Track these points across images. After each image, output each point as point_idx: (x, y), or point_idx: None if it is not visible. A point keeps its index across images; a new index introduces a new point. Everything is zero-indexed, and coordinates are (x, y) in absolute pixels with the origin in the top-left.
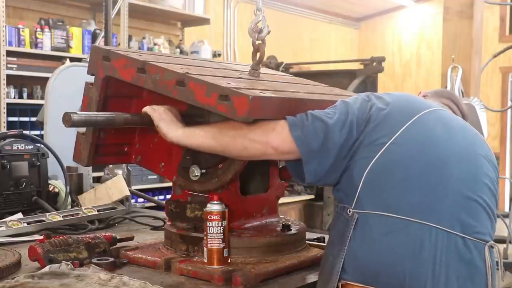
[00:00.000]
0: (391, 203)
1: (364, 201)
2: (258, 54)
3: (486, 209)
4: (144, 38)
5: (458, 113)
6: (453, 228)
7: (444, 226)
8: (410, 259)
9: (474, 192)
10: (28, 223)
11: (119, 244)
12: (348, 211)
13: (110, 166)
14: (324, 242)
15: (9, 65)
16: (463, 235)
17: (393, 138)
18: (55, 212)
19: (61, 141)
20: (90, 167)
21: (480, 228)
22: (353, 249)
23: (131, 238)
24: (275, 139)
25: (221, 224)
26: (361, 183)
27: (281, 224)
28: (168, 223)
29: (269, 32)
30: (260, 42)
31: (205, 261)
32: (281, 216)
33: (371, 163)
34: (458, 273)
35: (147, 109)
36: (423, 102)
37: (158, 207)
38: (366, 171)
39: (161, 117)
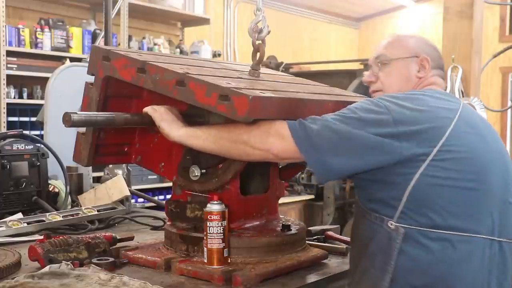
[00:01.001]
0: (440, 219)
1: (410, 216)
2: (258, 54)
3: None
4: (144, 38)
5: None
6: (493, 234)
7: (488, 235)
8: (464, 271)
9: (510, 195)
10: (28, 223)
11: (119, 244)
12: (389, 223)
13: (110, 166)
14: (324, 242)
15: (9, 65)
16: (499, 239)
17: (433, 154)
18: (55, 212)
19: (61, 141)
20: (90, 167)
21: (511, 228)
22: (404, 263)
23: (131, 238)
24: (275, 147)
25: (221, 224)
26: (405, 198)
27: (281, 224)
28: (168, 223)
29: (269, 32)
30: (260, 42)
31: (205, 261)
32: (281, 216)
33: (414, 180)
34: (497, 275)
35: (148, 109)
36: (444, 103)
37: (158, 207)
38: (410, 187)
39: (163, 117)
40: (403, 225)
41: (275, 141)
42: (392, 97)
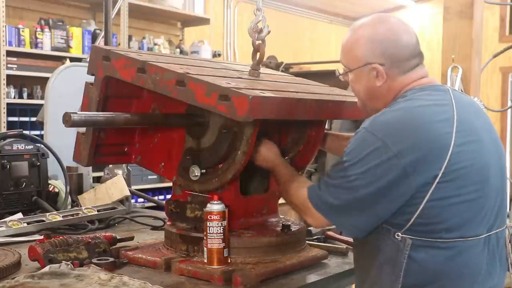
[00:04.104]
0: (449, 231)
1: (418, 228)
2: (258, 54)
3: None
4: (144, 38)
5: None
6: (492, 228)
7: (489, 231)
8: (469, 267)
9: (504, 181)
10: (28, 223)
11: (119, 244)
12: (396, 235)
13: (110, 166)
14: (324, 242)
15: (9, 65)
16: (496, 230)
17: (439, 177)
18: (55, 212)
19: (61, 141)
20: (90, 167)
21: (504, 215)
22: (413, 270)
23: (131, 238)
24: (310, 221)
25: (221, 224)
26: (415, 216)
27: (281, 224)
28: (168, 223)
29: (269, 32)
30: (260, 42)
31: (205, 261)
32: (281, 216)
33: (423, 204)
34: (491, 259)
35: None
36: (437, 110)
37: (158, 207)
38: (419, 211)
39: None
40: (410, 237)
41: (308, 218)
42: (383, 124)
